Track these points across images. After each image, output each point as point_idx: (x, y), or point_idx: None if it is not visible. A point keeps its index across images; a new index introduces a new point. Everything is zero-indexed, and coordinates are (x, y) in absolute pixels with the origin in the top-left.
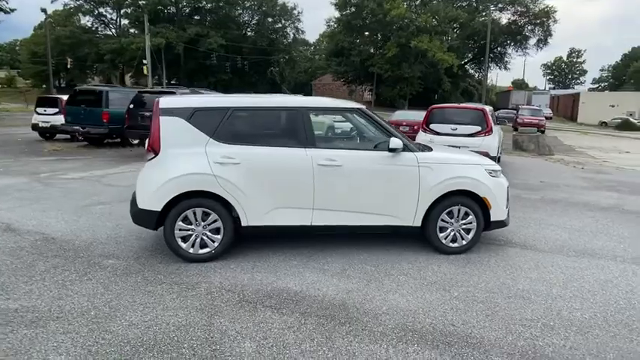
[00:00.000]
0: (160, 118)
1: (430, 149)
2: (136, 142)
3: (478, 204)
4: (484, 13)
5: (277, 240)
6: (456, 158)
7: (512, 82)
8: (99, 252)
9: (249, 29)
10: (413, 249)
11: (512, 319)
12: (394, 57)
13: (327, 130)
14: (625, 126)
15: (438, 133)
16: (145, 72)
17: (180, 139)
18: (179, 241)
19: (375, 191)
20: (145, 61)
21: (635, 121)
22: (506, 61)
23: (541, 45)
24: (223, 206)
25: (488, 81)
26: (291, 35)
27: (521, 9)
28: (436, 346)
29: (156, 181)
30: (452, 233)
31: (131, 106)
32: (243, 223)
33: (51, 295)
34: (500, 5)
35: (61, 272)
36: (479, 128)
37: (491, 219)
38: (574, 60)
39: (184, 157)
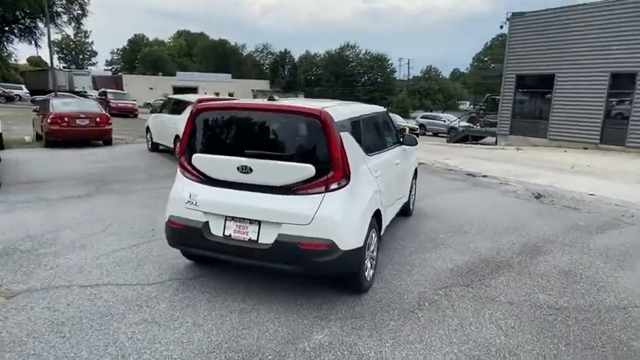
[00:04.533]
0: (341, 135)
1: None
2: None
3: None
4: None
5: None
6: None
7: (28, 60)
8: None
9: None
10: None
11: (512, 229)
12: None
13: None
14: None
15: None
16: None
17: (355, 157)
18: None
19: (403, 180)
20: None
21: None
22: (37, 37)
23: (74, 23)
24: (377, 221)
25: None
26: None
27: None
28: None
29: (357, 212)
30: (412, 199)
31: None
32: (381, 234)
33: None
34: None
35: None
36: None
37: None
38: (82, 40)
39: (363, 176)
